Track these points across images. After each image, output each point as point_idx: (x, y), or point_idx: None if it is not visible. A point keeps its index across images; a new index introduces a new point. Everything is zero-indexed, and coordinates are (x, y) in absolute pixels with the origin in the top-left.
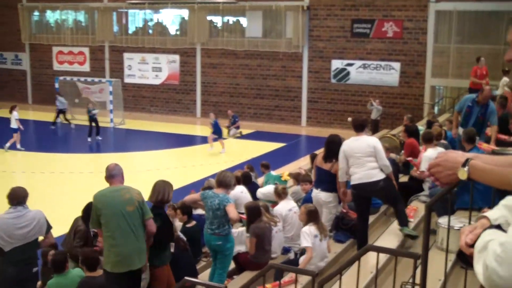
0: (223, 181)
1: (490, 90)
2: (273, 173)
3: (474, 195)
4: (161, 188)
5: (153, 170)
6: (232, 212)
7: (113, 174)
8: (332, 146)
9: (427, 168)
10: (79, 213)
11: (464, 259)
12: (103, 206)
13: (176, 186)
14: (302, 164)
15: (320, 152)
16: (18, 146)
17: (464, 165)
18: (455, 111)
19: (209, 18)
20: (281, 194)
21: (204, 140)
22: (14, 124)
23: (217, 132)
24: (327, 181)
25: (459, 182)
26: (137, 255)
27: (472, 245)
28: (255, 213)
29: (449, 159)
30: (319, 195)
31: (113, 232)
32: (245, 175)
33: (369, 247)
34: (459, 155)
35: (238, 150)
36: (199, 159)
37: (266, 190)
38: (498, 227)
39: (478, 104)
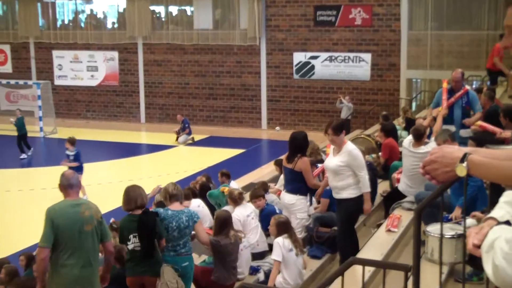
0: (179, 194)
1: (460, 71)
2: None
3: (471, 198)
4: (136, 194)
5: (93, 185)
6: (203, 233)
7: (72, 184)
8: (296, 142)
9: (421, 166)
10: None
11: (476, 264)
12: (62, 223)
13: (120, 203)
14: (266, 171)
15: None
16: None
17: (462, 160)
18: (429, 108)
19: (151, 8)
20: (237, 199)
21: (151, 148)
22: None
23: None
24: (291, 180)
25: (457, 179)
26: (88, 280)
27: (480, 246)
28: (223, 224)
29: (446, 154)
30: (284, 197)
31: (66, 250)
32: (203, 187)
33: (354, 260)
34: (455, 150)
35: (191, 159)
36: (146, 170)
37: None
38: (507, 223)
39: (454, 92)
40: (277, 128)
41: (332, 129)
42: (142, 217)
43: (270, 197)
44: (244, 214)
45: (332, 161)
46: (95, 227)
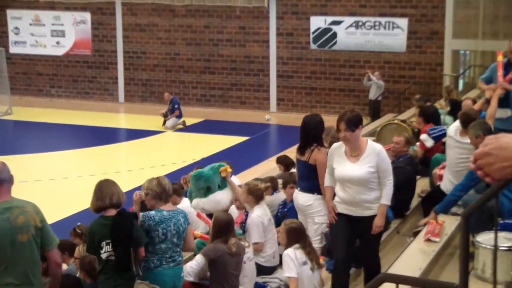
0: (169, 190)
1: None
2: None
3: None
4: (112, 190)
5: (58, 179)
6: (191, 238)
7: (1, 179)
8: (308, 129)
9: (472, 160)
10: None
11: None
12: None
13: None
14: (274, 165)
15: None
16: None
17: None
18: (479, 81)
19: None
20: (261, 195)
21: (131, 134)
22: None
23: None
24: (305, 176)
25: None
26: None
27: None
28: (223, 229)
29: (504, 145)
30: (297, 197)
31: None
32: None
33: (385, 276)
34: None
35: (181, 148)
36: (125, 162)
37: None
38: None
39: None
40: (267, 117)
41: (346, 122)
42: (117, 219)
43: (280, 196)
44: (267, 217)
45: (354, 168)
46: (33, 236)
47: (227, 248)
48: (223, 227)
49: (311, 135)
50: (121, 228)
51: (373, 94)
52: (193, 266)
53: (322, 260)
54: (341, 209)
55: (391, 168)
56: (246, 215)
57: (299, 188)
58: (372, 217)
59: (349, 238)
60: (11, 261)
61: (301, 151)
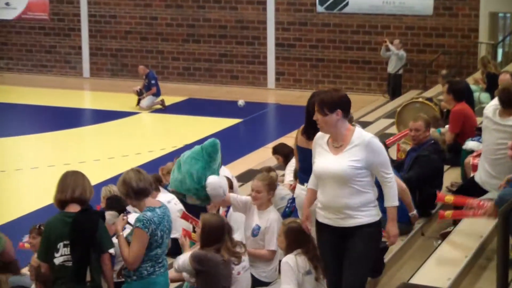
0: (150, 183)
1: None
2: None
3: None
4: (77, 182)
5: (9, 171)
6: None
7: None
8: (312, 110)
9: (510, 146)
10: None
11: None
12: None
13: (48, 201)
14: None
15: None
16: None
17: None
18: None
19: None
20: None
21: (98, 116)
22: None
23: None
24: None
25: None
26: None
27: None
28: (214, 235)
29: None
30: (300, 193)
31: None
32: None
33: (405, 287)
34: None
35: (159, 133)
36: (91, 150)
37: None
38: None
39: None
40: (240, 102)
41: (319, 103)
42: (79, 216)
43: (281, 191)
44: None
45: (334, 161)
46: None
47: (221, 257)
48: (214, 231)
49: None
50: (82, 228)
51: (392, 67)
52: (184, 264)
53: None
54: (321, 217)
55: (388, 160)
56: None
57: (306, 184)
58: (360, 228)
59: (338, 257)
60: None
61: (307, 136)
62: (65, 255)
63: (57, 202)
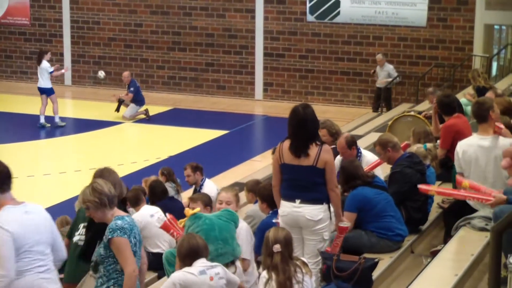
0: (112, 190)
1: None
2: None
3: None
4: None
5: None
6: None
7: None
8: (304, 125)
9: (504, 154)
10: None
11: None
12: None
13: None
14: (259, 166)
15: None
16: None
17: None
18: None
19: None
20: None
21: (80, 126)
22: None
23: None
24: (312, 184)
25: None
26: None
27: None
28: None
29: None
30: (300, 211)
31: None
32: (155, 186)
33: None
34: None
35: (142, 144)
36: (72, 160)
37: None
38: None
39: None
40: (100, 73)
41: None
42: None
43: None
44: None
45: None
46: None
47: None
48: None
49: (310, 129)
50: None
51: (381, 81)
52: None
53: None
54: None
55: None
56: None
57: (299, 201)
58: None
59: None
60: None
61: (296, 152)
62: (81, 234)
63: None
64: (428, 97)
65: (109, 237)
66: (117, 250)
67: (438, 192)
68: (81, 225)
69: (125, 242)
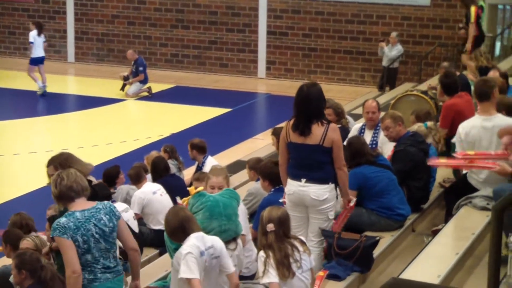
0: (82, 183)
1: None
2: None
3: None
4: None
5: None
6: (129, 236)
7: None
8: (308, 103)
9: (500, 133)
10: None
11: None
12: None
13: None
14: (261, 144)
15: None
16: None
17: None
18: None
19: None
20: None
21: (82, 103)
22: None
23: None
24: (317, 163)
25: None
26: None
27: None
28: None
29: None
30: (305, 190)
31: None
32: (157, 163)
33: (395, 282)
34: None
35: (145, 121)
36: (74, 138)
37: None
38: None
39: None
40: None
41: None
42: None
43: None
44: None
45: None
46: None
47: None
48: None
49: (314, 107)
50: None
51: (386, 60)
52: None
53: (322, 273)
54: None
55: None
56: None
57: (304, 180)
58: None
59: None
60: None
61: (301, 131)
62: None
63: None
64: (441, 71)
65: (51, 235)
66: (59, 249)
67: (448, 164)
68: None
69: (63, 242)
